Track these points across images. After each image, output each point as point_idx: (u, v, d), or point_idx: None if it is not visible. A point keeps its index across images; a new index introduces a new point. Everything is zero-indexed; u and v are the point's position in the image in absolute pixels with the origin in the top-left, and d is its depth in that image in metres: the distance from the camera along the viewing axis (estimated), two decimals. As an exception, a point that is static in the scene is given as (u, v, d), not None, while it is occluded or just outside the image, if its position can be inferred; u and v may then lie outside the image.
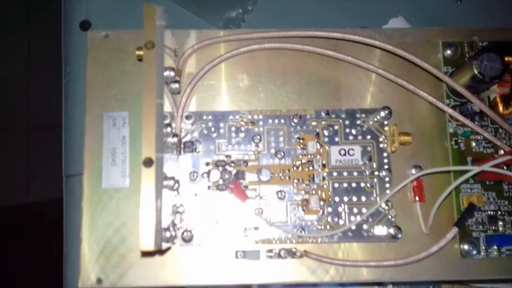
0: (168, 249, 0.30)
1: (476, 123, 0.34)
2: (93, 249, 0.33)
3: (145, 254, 0.28)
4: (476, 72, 0.32)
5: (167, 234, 0.28)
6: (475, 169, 0.31)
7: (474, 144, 0.35)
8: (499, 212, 0.34)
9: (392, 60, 0.36)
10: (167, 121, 0.32)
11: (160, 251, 0.28)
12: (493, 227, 0.34)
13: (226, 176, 0.33)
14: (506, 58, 0.33)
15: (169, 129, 0.29)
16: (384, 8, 0.47)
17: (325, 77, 0.36)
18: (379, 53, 0.36)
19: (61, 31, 0.47)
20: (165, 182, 0.28)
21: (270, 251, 0.33)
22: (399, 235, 0.32)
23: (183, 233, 0.32)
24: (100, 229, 0.33)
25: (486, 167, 0.30)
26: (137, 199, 0.33)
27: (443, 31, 0.37)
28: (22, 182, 1.01)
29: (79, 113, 0.47)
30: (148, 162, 0.26)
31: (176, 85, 0.32)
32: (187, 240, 0.32)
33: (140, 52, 0.32)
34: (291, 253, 0.33)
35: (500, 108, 0.34)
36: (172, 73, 0.30)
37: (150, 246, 0.26)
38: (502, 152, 0.34)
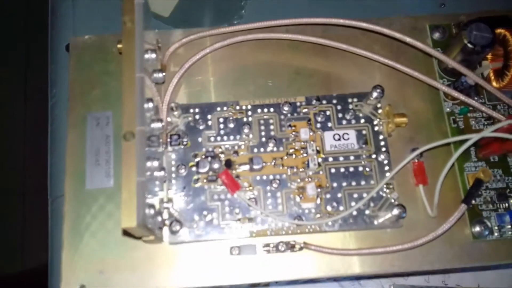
0: (155, 237, 0.27)
1: (475, 99, 0.33)
2: (76, 254, 0.31)
3: (126, 234, 0.25)
4: (466, 42, 0.31)
5: (151, 211, 0.26)
6: (475, 136, 0.29)
7: (473, 122, 0.33)
8: (508, 190, 0.32)
9: (379, 48, 0.36)
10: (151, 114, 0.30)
11: (144, 235, 0.26)
12: (504, 205, 0.32)
13: (216, 166, 0.31)
14: (497, 31, 0.32)
15: (151, 105, 0.28)
16: (369, 12, 0.47)
17: (313, 67, 0.36)
18: (366, 41, 0.36)
19: (48, 53, 0.47)
20: (149, 163, 0.27)
21: (267, 245, 0.31)
22: (404, 214, 0.30)
23: (171, 224, 0.29)
24: (84, 233, 0.31)
25: (487, 133, 0.29)
26: None
27: (429, 17, 0.37)
28: (17, 249, 0.99)
29: (64, 134, 0.45)
30: (128, 135, 0.24)
31: (160, 75, 0.31)
32: (175, 233, 0.30)
33: (121, 45, 0.32)
34: (290, 246, 0.31)
35: (495, 83, 0.33)
36: (154, 55, 0.29)
37: (132, 223, 0.23)
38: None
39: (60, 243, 0.40)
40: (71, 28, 0.48)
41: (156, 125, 0.29)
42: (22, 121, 1.04)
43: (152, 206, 0.26)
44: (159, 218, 0.27)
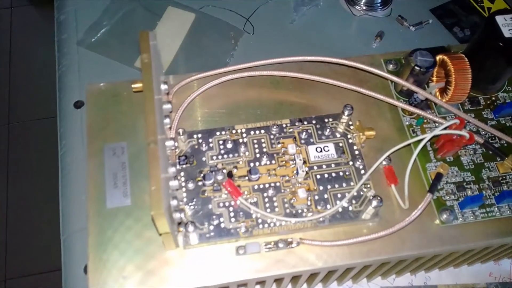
0: (173, 236, 0.32)
1: (428, 112, 0.40)
2: (100, 263, 0.35)
3: (156, 222, 0.30)
4: (413, 65, 0.39)
5: (174, 202, 0.31)
6: (429, 135, 0.36)
7: (428, 131, 0.40)
8: (464, 182, 0.38)
9: (346, 80, 0.43)
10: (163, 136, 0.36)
11: (168, 228, 0.30)
12: (463, 195, 0.38)
13: (219, 177, 0.36)
14: (437, 56, 0.40)
15: (167, 120, 0.34)
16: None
17: (293, 98, 0.42)
18: (334, 75, 0.43)
19: (57, 110, 0.53)
20: (169, 169, 0.32)
21: (268, 243, 0.36)
22: (381, 203, 0.35)
23: (186, 225, 0.34)
24: (107, 245, 0.35)
25: (437, 131, 0.36)
26: (139, 214, 0.37)
27: (383, 54, 0.45)
28: None
29: (74, 180, 0.50)
30: (152, 143, 0.30)
31: (169, 105, 0.37)
32: (190, 233, 0.34)
33: (136, 85, 0.38)
34: (288, 243, 0.36)
35: (441, 98, 0.41)
36: (166, 86, 0.35)
37: (159, 210, 0.28)
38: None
39: (73, 273, 0.44)
40: (77, 90, 0.55)
41: (169, 142, 0.35)
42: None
43: (175, 197, 0.31)
44: (178, 214, 0.32)
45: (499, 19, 0.38)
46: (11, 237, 1.04)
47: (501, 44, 0.38)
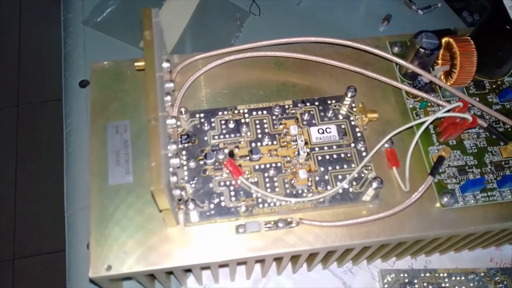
0: (173, 213, 0.32)
1: (432, 95, 0.40)
2: (102, 239, 0.35)
3: (155, 198, 0.30)
4: (418, 47, 0.38)
5: (174, 179, 0.31)
6: (431, 117, 0.36)
7: (431, 114, 0.40)
8: (467, 166, 0.38)
9: (350, 62, 0.43)
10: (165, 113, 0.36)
11: (168, 204, 0.31)
12: (465, 178, 0.38)
13: (221, 156, 0.37)
14: (443, 39, 0.40)
15: (169, 98, 0.34)
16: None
17: (297, 79, 0.42)
18: (338, 57, 0.43)
19: (62, 88, 0.53)
20: (169, 147, 0.32)
21: (268, 223, 0.36)
22: (381, 185, 0.35)
23: (186, 202, 0.34)
24: (109, 221, 0.36)
25: (440, 114, 0.36)
26: (141, 191, 0.37)
27: (388, 36, 0.45)
28: None
29: (79, 157, 0.51)
30: (153, 120, 0.30)
31: (171, 84, 0.37)
32: (190, 210, 0.34)
33: (139, 63, 0.38)
34: (288, 223, 0.36)
35: (446, 81, 0.40)
36: (168, 64, 0.35)
37: (159, 185, 0.29)
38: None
39: (76, 250, 0.45)
40: (83, 70, 0.55)
41: (171, 121, 0.35)
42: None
43: (175, 174, 0.31)
44: (178, 191, 0.32)
45: (507, 1, 0.38)
46: (20, 217, 1.06)
47: (508, 27, 0.37)
